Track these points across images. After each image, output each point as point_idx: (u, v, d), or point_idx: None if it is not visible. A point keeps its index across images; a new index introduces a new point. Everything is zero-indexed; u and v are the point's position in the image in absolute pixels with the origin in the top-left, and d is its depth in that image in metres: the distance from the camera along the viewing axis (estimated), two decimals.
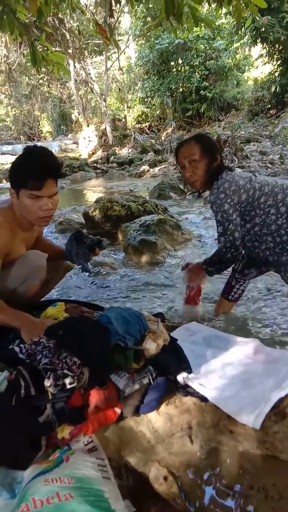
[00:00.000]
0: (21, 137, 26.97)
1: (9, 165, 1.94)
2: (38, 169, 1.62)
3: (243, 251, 2.10)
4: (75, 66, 18.45)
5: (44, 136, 27.52)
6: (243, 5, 2.60)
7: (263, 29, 14.21)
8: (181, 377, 1.47)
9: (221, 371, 1.58)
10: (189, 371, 1.51)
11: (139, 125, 20.30)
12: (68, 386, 1.26)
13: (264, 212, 1.91)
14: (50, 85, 23.57)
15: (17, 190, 1.67)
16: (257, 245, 1.99)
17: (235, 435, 1.32)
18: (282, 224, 1.89)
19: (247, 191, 1.91)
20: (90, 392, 1.33)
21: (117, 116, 20.77)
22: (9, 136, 28.06)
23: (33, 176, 1.62)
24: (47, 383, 1.24)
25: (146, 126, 20.12)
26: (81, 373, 1.30)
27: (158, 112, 20.08)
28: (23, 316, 1.59)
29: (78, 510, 0.94)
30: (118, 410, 1.36)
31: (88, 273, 2.06)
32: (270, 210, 1.90)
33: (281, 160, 10.75)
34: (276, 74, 16.96)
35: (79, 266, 2.03)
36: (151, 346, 1.46)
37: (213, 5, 2.78)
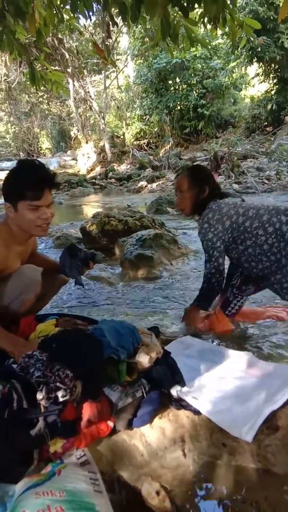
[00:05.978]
0: (21, 153, 27.21)
1: None
2: (36, 180, 1.67)
3: (244, 271, 2.18)
4: (74, 85, 18.75)
5: (43, 153, 27.80)
6: (237, 26, 2.66)
7: (259, 49, 14.56)
8: (174, 391, 1.47)
9: (215, 384, 1.58)
10: (183, 384, 1.52)
11: (138, 142, 20.57)
12: (61, 399, 1.26)
13: (253, 234, 1.98)
14: (50, 103, 23.96)
15: (14, 203, 1.69)
16: (254, 265, 2.04)
17: (228, 448, 1.31)
18: (273, 243, 1.94)
19: (230, 218, 2.05)
20: (83, 405, 1.33)
21: (115, 133, 21.06)
22: (9, 153, 28.34)
23: (32, 187, 1.66)
24: (39, 396, 1.24)
25: (144, 143, 20.40)
26: (74, 386, 1.30)
27: (156, 129, 20.40)
28: (16, 340, 1.62)
29: None
30: (111, 424, 1.36)
31: (81, 287, 2.07)
32: (258, 232, 1.97)
33: (278, 176, 10.88)
34: (272, 92, 17.32)
35: (73, 280, 2.05)
36: (144, 359, 1.47)
37: (209, 26, 2.83)
